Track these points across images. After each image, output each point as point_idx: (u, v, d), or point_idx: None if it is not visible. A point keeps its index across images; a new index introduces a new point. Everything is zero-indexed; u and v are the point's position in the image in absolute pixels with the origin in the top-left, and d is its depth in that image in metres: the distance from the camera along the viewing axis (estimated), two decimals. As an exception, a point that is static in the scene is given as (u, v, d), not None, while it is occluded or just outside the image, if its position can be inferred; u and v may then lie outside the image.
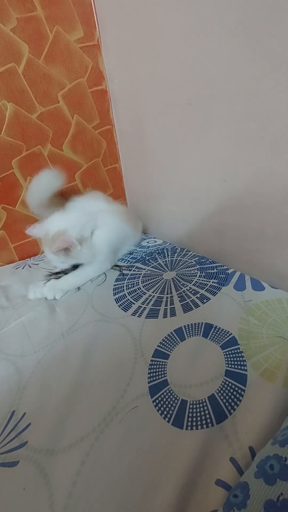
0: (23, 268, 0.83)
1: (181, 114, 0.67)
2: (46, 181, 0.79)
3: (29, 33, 0.76)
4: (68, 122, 0.87)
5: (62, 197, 0.81)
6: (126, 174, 1.00)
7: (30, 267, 0.83)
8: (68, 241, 0.61)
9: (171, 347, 0.45)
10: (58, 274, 0.72)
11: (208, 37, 0.54)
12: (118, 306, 0.59)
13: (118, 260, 0.78)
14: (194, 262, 0.69)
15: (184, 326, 0.49)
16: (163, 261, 0.73)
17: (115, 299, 0.61)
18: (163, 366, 0.42)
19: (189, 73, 0.62)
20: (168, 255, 0.76)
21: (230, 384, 0.37)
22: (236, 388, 0.37)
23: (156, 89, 0.72)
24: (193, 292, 0.57)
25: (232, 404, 0.35)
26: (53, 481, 0.32)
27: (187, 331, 0.47)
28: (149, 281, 0.65)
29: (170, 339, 0.47)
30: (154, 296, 0.59)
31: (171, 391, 0.38)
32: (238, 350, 0.42)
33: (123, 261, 0.77)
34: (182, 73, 0.63)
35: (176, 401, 0.37)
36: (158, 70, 0.70)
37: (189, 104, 0.64)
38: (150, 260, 0.75)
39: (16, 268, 0.83)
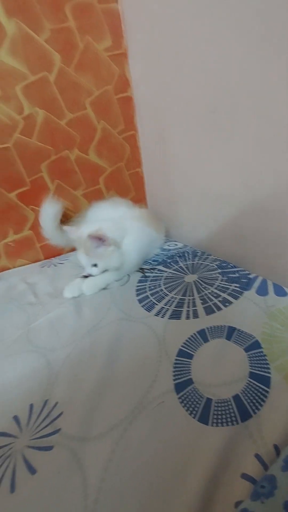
0: (48, 267, 0.87)
1: (205, 121, 0.69)
2: (50, 211, 0.84)
3: (61, 43, 0.80)
4: (94, 128, 0.91)
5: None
6: (148, 178, 1.02)
7: (55, 266, 0.87)
8: (103, 234, 0.64)
9: (194, 348, 0.47)
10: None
11: (233, 46, 0.56)
12: (142, 306, 0.61)
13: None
14: (215, 266, 0.70)
15: (207, 328, 0.50)
16: (184, 264, 0.75)
17: (138, 300, 0.64)
18: (187, 366, 0.44)
19: (214, 81, 0.63)
20: (189, 259, 0.78)
21: (254, 386, 0.39)
22: (260, 390, 0.38)
23: (181, 96, 0.75)
24: (215, 295, 0.59)
25: (256, 404, 0.36)
26: (86, 466, 0.34)
27: (210, 333, 0.49)
28: (171, 284, 0.67)
29: (193, 340, 0.49)
30: (176, 298, 0.61)
31: (196, 390, 0.40)
32: (262, 354, 0.43)
33: (145, 263, 0.80)
34: (207, 81, 0.65)
35: (201, 399, 0.39)
36: (183, 78, 0.72)
37: (213, 111, 0.66)
38: (171, 263, 0.77)
39: (42, 267, 0.87)
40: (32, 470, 0.35)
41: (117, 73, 0.90)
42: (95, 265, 0.68)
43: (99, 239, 0.64)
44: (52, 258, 0.94)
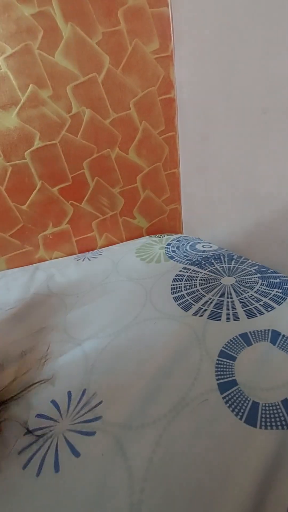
0: (83, 260, 0.89)
1: (254, 123, 0.68)
2: None
3: (112, 45, 0.83)
4: (136, 128, 0.93)
5: None
6: (184, 179, 1.02)
7: (89, 260, 0.89)
8: None
9: (237, 350, 0.46)
10: None
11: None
12: (178, 305, 0.61)
13: (174, 259, 0.80)
14: (254, 271, 0.68)
15: (250, 332, 0.49)
16: (219, 267, 0.74)
17: (173, 298, 0.63)
18: (230, 367, 0.43)
19: (267, 84, 0.62)
20: (224, 261, 0.76)
21: (304, 393, 0.37)
22: (311, 397, 0.36)
23: (228, 99, 0.74)
24: (255, 299, 0.57)
25: (308, 411, 0.35)
26: (130, 454, 0.34)
27: (253, 337, 0.48)
28: (207, 285, 0.66)
29: (235, 342, 0.48)
30: (214, 299, 0.60)
31: (241, 391, 0.39)
32: (310, 361, 0.41)
33: (178, 261, 0.79)
34: (259, 84, 0.64)
35: (247, 401, 0.38)
36: (232, 80, 0.71)
37: (264, 113, 0.65)
38: (206, 265, 0.76)
39: (77, 260, 0.90)
40: (75, 452, 0.36)
41: (162, 75, 0.91)
42: None
43: None
44: (86, 253, 0.96)
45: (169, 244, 0.93)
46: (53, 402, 0.43)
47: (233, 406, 0.37)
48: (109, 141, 0.90)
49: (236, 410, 0.37)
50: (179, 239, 0.97)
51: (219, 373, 0.43)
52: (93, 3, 0.78)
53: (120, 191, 0.97)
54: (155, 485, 0.31)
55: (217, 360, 0.45)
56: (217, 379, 0.42)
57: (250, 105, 0.68)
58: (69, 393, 0.44)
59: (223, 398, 0.38)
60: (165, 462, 0.33)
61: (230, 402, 0.38)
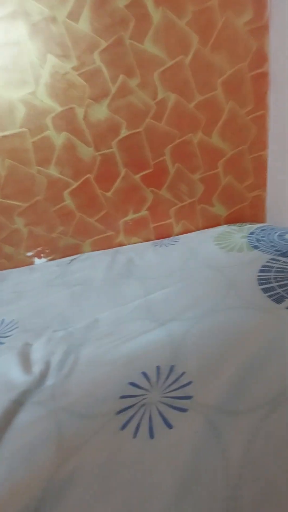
0: (160, 246, 0.91)
1: None
2: None
3: (201, 23, 0.79)
4: (221, 109, 0.88)
5: None
6: (273, 162, 0.93)
7: (166, 246, 0.90)
8: None
9: None
10: None
11: None
12: (268, 297, 0.56)
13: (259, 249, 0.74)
14: None
15: None
16: None
17: (261, 290, 0.59)
18: None
19: None
20: None
21: None
22: None
23: None
24: None
25: None
26: (225, 439, 0.34)
27: None
28: (303, 277, 0.59)
29: None
30: (312, 293, 0.54)
31: None
32: None
33: (264, 252, 0.73)
34: None
35: None
36: None
37: None
38: (300, 256, 0.68)
39: (155, 246, 0.92)
40: (168, 424, 0.37)
41: (255, 47, 0.83)
42: None
43: None
44: (162, 239, 0.98)
45: (252, 234, 0.87)
46: (144, 374, 0.45)
47: None
48: (192, 125, 0.88)
49: None
50: (263, 228, 0.89)
51: None
52: (185, -19, 0.75)
53: (200, 177, 0.94)
54: (253, 475, 0.30)
55: None
56: None
57: None
58: (158, 368, 0.46)
59: None
60: (263, 456, 0.31)
61: None
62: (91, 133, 0.85)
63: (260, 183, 0.98)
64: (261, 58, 0.84)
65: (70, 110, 0.82)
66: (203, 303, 0.60)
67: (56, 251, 0.99)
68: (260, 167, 0.95)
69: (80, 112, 0.83)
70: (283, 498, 0.28)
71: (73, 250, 0.99)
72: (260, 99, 0.88)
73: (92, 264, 0.87)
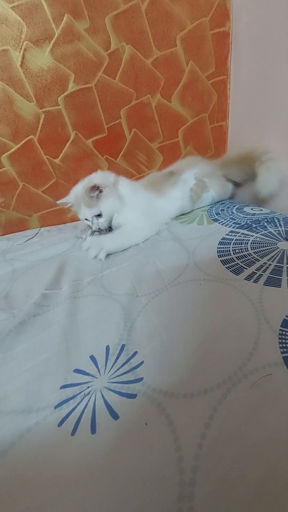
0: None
1: None
2: None
3: None
4: (181, 69, 0.80)
5: None
6: (233, 133, 0.89)
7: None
8: (97, 182, 0.67)
9: (306, 319, 0.38)
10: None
11: None
12: (226, 268, 0.53)
13: (218, 221, 0.71)
14: None
15: None
16: (274, 230, 0.64)
17: (221, 261, 0.56)
18: (299, 338, 0.35)
19: None
20: (280, 225, 0.66)
21: None
22: None
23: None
24: None
25: None
26: (178, 425, 0.29)
27: None
28: (261, 249, 0.57)
29: (303, 310, 0.39)
30: (270, 264, 0.52)
31: (316, 367, 0.32)
32: None
33: (223, 224, 0.70)
34: None
35: None
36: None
37: None
38: (258, 228, 0.66)
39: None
40: (114, 414, 0.31)
41: (217, 2, 0.76)
42: (99, 216, 0.71)
43: (95, 187, 0.68)
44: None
45: (211, 206, 0.84)
46: (92, 358, 0.39)
47: (307, 384, 0.30)
48: (150, 85, 0.79)
49: (312, 389, 0.29)
50: (223, 202, 0.86)
51: (284, 345, 0.35)
52: None
53: (159, 146, 0.87)
54: (210, 465, 0.26)
55: (280, 330, 0.37)
56: (283, 352, 0.34)
57: None
58: (107, 348, 0.40)
59: (294, 373, 0.31)
60: (222, 440, 0.27)
61: (303, 379, 0.31)
62: (31, 84, 0.72)
63: (221, 155, 0.94)
64: (223, 14, 0.78)
65: (2, 52, 0.68)
66: (162, 276, 0.55)
67: (-3, 227, 0.85)
68: (220, 138, 0.91)
69: (16, 56, 0.68)
70: (241, 487, 0.24)
71: (18, 226, 0.86)
72: (221, 62, 0.82)
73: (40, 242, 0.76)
